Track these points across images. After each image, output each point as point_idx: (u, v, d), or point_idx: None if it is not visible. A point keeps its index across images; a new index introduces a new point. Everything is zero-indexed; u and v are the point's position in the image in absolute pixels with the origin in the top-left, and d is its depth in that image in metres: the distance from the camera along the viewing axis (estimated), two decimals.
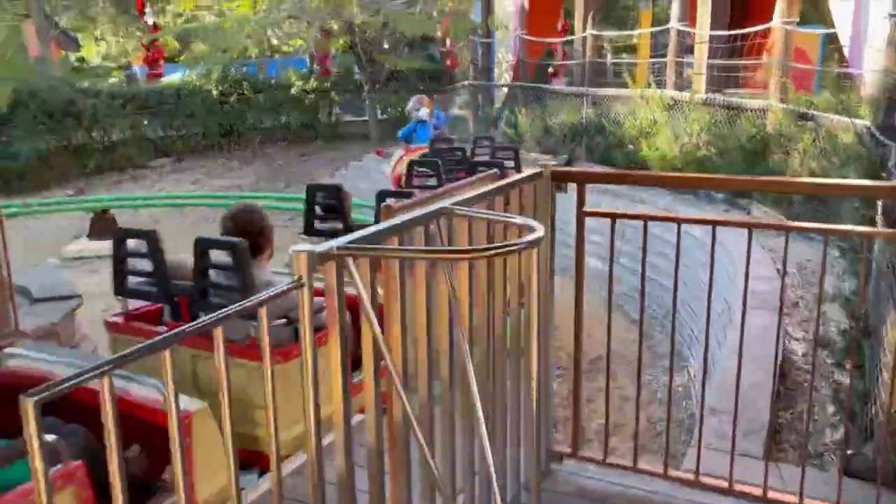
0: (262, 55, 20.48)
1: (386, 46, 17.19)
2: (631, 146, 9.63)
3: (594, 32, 11.03)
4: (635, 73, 11.59)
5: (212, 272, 3.15)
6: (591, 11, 11.17)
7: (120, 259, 3.41)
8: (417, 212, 1.87)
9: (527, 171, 2.43)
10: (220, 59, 15.72)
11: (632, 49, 15.72)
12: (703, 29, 8.96)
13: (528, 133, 12.35)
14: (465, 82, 16.91)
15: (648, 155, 9.00)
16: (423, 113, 9.81)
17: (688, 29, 9.30)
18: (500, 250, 1.54)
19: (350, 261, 1.57)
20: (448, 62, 17.86)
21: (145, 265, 3.36)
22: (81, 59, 23.78)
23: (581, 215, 2.51)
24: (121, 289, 3.45)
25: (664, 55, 10.43)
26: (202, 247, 3.13)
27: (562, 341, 7.61)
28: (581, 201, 2.50)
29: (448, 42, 17.20)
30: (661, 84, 9.84)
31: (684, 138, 8.61)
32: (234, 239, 3.07)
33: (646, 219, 2.45)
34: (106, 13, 22.69)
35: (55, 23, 20.19)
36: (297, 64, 19.60)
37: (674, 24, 9.33)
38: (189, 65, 17.84)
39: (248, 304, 1.42)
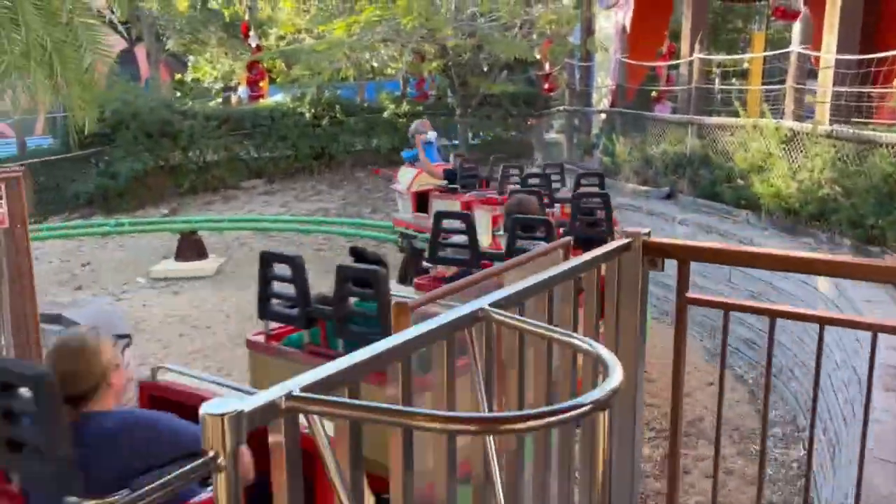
0: (362, 78, 20.51)
1: (485, 69, 16.76)
2: (741, 181, 8.73)
3: (702, 56, 10.18)
4: (746, 101, 10.67)
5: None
6: (700, 33, 10.34)
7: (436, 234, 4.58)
8: (442, 318, 1.29)
9: (611, 244, 1.82)
10: (313, 82, 15.71)
11: (741, 74, 14.68)
12: (829, 52, 8.00)
13: (625, 162, 11.58)
14: (562, 107, 16.26)
15: (761, 192, 8.09)
16: (432, 135, 9.96)
17: (811, 52, 8.35)
18: (552, 418, 0.95)
19: (316, 417, 1.01)
20: (546, 86, 17.26)
21: (461, 239, 4.56)
22: (198, 80, 24.58)
23: (683, 302, 1.87)
24: (433, 257, 4.59)
25: (780, 81, 9.49)
26: (514, 224, 4.38)
27: (657, 398, 6.78)
28: (683, 284, 1.86)
29: (547, 65, 16.62)
30: (776, 113, 8.90)
31: (803, 174, 7.67)
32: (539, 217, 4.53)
33: (773, 314, 1.79)
34: (216, 36, 23.36)
35: (164, 46, 20.95)
36: (395, 87, 19.50)
37: (795, 48, 8.40)
38: (283, 87, 18.02)
39: None
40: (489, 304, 1.35)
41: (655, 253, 1.87)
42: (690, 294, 1.86)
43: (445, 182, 8.81)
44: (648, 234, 1.90)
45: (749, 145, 8.68)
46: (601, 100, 14.95)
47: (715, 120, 9.86)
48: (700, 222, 8.96)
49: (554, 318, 1.70)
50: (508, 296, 1.41)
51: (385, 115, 16.78)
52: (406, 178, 9.61)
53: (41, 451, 1.96)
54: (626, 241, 1.85)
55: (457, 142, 16.75)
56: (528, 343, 1.41)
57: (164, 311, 9.72)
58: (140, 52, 21.12)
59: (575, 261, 1.66)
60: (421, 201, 9.04)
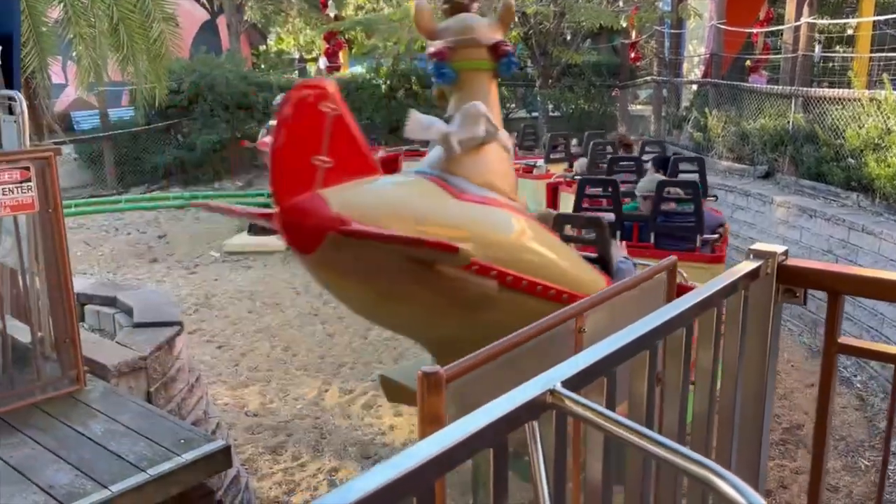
0: None
1: (567, 38, 15.95)
2: (851, 160, 7.85)
3: (811, 20, 9.20)
4: (854, 70, 9.63)
5: None
6: None
7: None
8: (490, 411, 0.84)
9: (735, 270, 1.33)
10: (389, 52, 15.31)
11: (845, 42, 13.43)
12: None
13: (718, 138, 10.72)
14: (650, 77, 15.33)
15: (876, 172, 7.22)
16: None
17: None
18: None
19: None
20: (632, 56, 16.32)
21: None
22: (280, 53, 24.59)
23: (833, 349, 1.36)
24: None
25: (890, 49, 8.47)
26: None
27: (777, 402, 6.12)
28: (834, 325, 1.35)
29: (634, 34, 15.67)
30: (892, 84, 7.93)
31: None
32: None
33: None
34: (297, 6, 23.24)
35: (244, 17, 20.94)
36: None
37: None
38: (358, 59, 17.71)
39: None
40: (562, 383, 0.88)
41: (795, 281, 1.36)
42: (844, 339, 1.34)
43: None
44: (785, 254, 1.39)
45: (863, 120, 7.78)
46: (692, 70, 13.98)
47: (824, 92, 8.92)
48: (802, 205, 8.14)
49: (662, 367, 1.23)
50: (592, 365, 0.94)
51: None
52: None
53: None
54: (754, 264, 1.35)
55: (537, 113, 16.06)
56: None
57: (234, 286, 9.62)
58: (221, 23, 21.19)
59: (685, 300, 1.18)
60: None
